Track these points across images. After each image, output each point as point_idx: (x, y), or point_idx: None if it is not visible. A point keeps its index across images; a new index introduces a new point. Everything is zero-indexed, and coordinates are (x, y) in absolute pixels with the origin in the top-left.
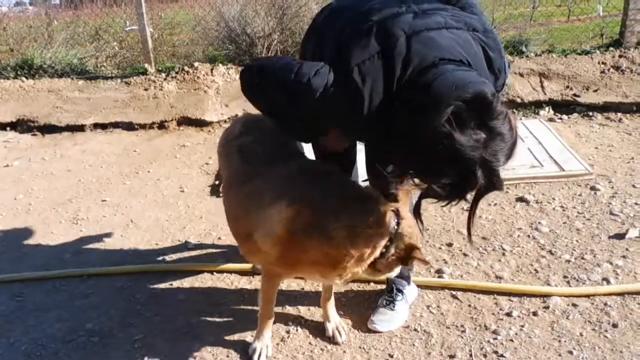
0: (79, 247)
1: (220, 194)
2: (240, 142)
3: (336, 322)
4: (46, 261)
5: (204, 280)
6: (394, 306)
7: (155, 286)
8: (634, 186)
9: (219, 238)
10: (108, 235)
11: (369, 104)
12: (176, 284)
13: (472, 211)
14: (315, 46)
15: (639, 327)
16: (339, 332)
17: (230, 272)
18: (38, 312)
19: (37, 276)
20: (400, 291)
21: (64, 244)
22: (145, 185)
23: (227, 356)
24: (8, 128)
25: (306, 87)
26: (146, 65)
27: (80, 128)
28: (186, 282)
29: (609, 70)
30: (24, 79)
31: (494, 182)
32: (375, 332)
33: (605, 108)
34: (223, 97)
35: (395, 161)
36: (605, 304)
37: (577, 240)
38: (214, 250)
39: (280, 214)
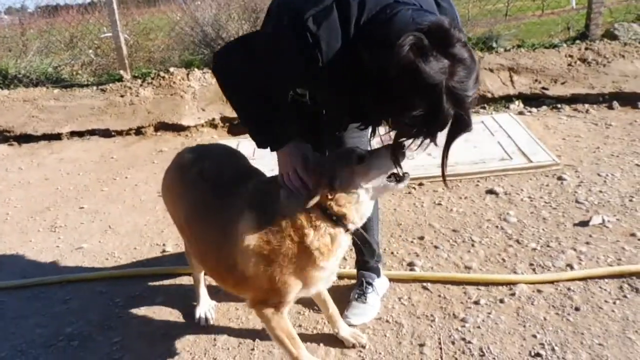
0: (57, 254)
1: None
2: (198, 168)
3: (350, 329)
4: (25, 269)
5: (181, 283)
6: (365, 299)
7: (134, 290)
8: (599, 174)
9: None
10: (86, 241)
11: (327, 50)
12: (154, 287)
13: (445, 152)
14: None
15: (600, 310)
16: (358, 335)
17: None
18: (18, 319)
19: (16, 284)
20: (370, 284)
21: (42, 251)
22: (123, 191)
23: (205, 354)
24: None
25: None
26: (122, 71)
27: (57, 137)
28: (164, 285)
29: (575, 62)
30: None
31: (463, 117)
32: (350, 325)
33: (573, 100)
34: (200, 102)
35: (364, 109)
36: (569, 289)
37: (543, 229)
38: None
39: (245, 226)
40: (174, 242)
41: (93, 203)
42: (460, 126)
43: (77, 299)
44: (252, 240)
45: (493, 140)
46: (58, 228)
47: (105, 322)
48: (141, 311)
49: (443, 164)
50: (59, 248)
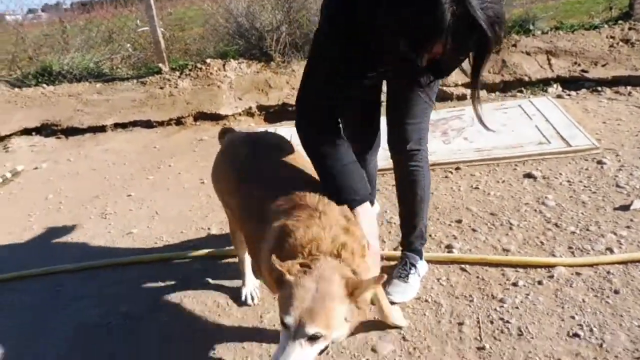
0: (110, 239)
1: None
2: (250, 152)
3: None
4: (80, 254)
5: (228, 265)
6: (407, 279)
7: (182, 272)
8: None
9: None
10: (135, 227)
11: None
12: (202, 268)
13: (474, 77)
14: None
15: None
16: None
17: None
18: (76, 300)
19: (73, 268)
20: (414, 265)
21: (94, 237)
22: (167, 179)
23: (252, 331)
24: (33, 133)
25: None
26: (160, 64)
27: (101, 129)
28: (211, 267)
29: (617, 44)
30: (44, 85)
31: (477, 24)
32: (391, 303)
33: (615, 82)
34: (236, 91)
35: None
36: (608, 272)
37: (582, 213)
38: None
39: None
40: (218, 226)
41: (139, 191)
42: (481, 41)
43: (129, 281)
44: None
45: (531, 124)
46: (108, 215)
47: (157, 303)
48: (190, 292)
49: (474, 96)
50: (110, 234)
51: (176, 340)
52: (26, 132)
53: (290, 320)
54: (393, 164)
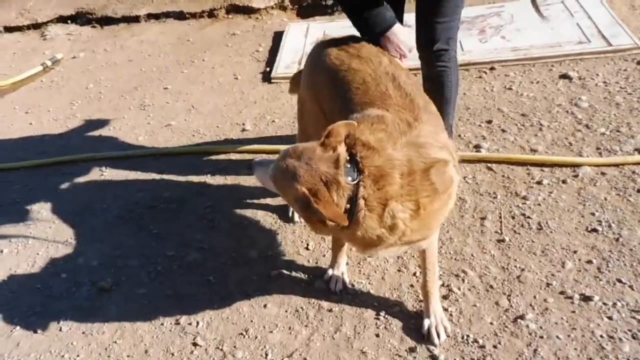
0: (150, 130)
1: None
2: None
3: (437, 318)
4: (123, 142)
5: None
6: None
7: (220, 163)
8: None
9: (273, 121)
10: (173, 119)
11: None
12: (238, 160)
13: None
14: None
15: None
16: (438, 332)
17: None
18: (122, 185)
19: (119, 155)
20: None
21: (135, 127)
22: (202, 73)
23: (285, 218)
24: (69, 21)
25: None
26: None
27: (135, 19)
28: (246, 159)
29: None
30: None
31: None
32: None
33: None
34: None
35: None
36: (633, 172)
37: (615, 114)
38: (269, 133)
39: None
40: (251, 122)
41: (175, 84)
42: None
43: (171, 169)
44: None
45: (572, 21)
46: (147, 106)
47: (198, 189)
48: (228, 181)
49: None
50: (150, 125)
51: (218, 223)
52: (62, 19)
53: None
54: (420, 63)
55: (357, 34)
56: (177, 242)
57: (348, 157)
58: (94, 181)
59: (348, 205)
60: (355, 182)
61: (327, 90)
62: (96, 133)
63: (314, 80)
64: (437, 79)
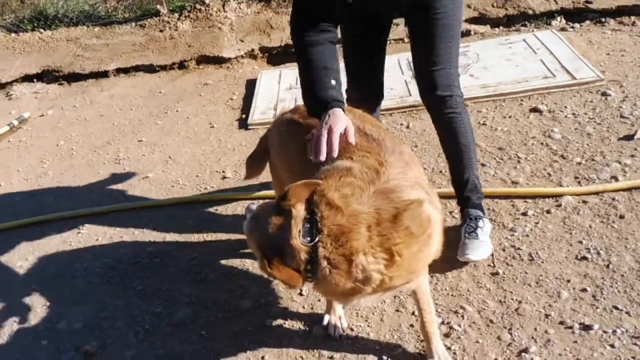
0: (127, 184)
1: None
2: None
3: (441, 358)
4: (99, 198)
5: (244, 205)
6: (477, 235)
7: (203, 213)
8: None
9: None
10: (150, 171)
11: None
12: (221, 210)
13: None
14: None
15: None
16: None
17: (266, 198)
18: (102, 241)
19: (96, 211)
20: (479, 218)
21: (111, 182)
22: (177, 124)
23: None
24: (35, 79)
25: None
26: (158, 6)
27: (104, 74)
28: (229, 209)
29: None
30: (42, 30)
31: None
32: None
33: (619, 12)
34: (237, 33)
35: None
36: (613, 199)
37: (587, 144)
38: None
39: None
40: (232, 169)
41: (150, 136)
42: None
43: (153, 222)
44: None
45: (535, 58)
46: (122, 160)
47: (182, 242)
48: (213, 231)
49: None
50: (127, 178)
51: (205, 275)
52: (27, 78)
53: None
54: (429, 114)
55: None
56: (164, 299)
57: (308, 216)
58: (72, 240)
59: (308, 266)
60: (314, 242)
61: (295, 154)
62: (70, 190)
63: (282, 150)
64: (448, 127)
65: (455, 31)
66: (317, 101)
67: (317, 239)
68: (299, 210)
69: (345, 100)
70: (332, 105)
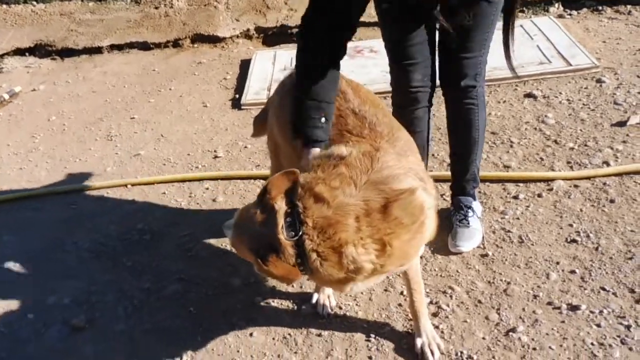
0: (118, 160)
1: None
2: None
3: (429, 337)
4: (90, 174)
5: (236, 185)
6: (468, 223)
7: (194, 191)
8: (638, 76)
9: (245, 147)
10: (142, 149)
11: None
12: (211, 188)
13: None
14: None
15: (634, 201)
16: (432, 350)
17: (258, 177)
18: (92, 217)
19: (86, 187)
20: (470, 207)
21: (102, 158)
22: (169, 102)
23: None
24: (27, 53)
25: None
26: None
27: (98, 50)
28: (220, 187)
29: None
30: (34, 3)
31: None
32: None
33: (615, 1)
34: (233, 12)
35: None
36: (604, 184)
37: (581, 130)
38: (242, 160)
39: None
40: (224, 149)
41: (142, 114)
42: None
43: (143, 200)
44: None
45: (532, 44)
46: (114, 137)
47: (173, 219)
48: (204, 209)
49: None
50: (118, 155)
51: (196, 252)
52: (19, 52)
53: None
54: (445, 102)
55: None
56: (154, 275)
57: (289, 211)
58: (63, 216)
59: (299, 260)
60: (299, 235)
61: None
62: (61, 166)
63: (285, 118)
64: (464, 118)
65: (496, 17)
66: (301, 131)
67: (300, 232)
68: (280, 205)
69: (327, 140)
70: (313, 145)
